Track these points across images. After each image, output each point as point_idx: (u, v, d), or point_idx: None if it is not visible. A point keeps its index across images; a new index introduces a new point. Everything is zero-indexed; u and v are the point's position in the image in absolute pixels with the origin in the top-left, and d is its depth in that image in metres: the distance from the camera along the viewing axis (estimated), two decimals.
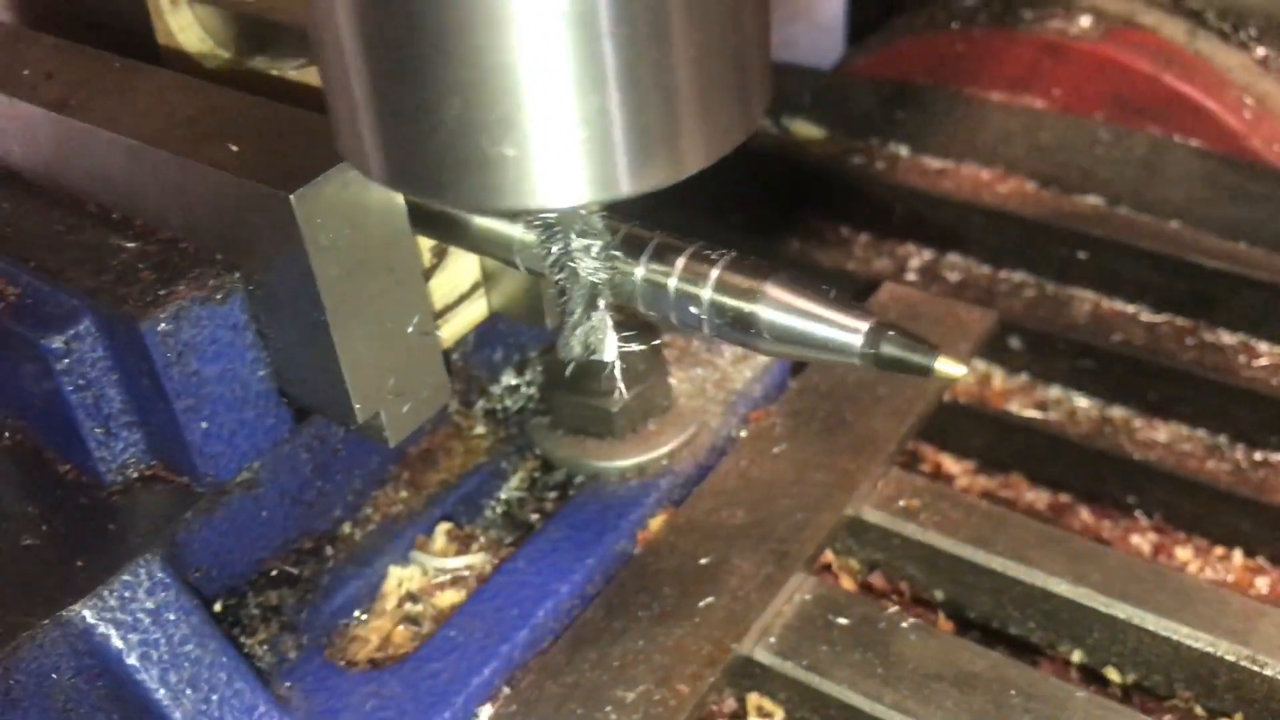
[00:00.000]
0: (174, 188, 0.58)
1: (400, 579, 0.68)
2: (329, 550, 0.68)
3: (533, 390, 0.76)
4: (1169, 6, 0.97)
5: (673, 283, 0.54)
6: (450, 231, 0.60)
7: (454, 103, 0.44)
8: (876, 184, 1.00)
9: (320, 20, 0.46)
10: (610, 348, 0.57)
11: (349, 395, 0.59)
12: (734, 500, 0.71)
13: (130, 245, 0.60)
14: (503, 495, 0.73)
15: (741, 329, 0.53)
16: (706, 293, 0.53)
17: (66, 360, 0.58)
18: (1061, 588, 0.67)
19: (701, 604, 0.65)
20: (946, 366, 0.50)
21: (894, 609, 0.66)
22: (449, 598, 0.67)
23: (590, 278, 0.54)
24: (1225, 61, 0.94)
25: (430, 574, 0.68)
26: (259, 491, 0.64)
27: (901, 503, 0.72)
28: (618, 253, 0.54)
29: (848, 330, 0.51)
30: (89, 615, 0.57)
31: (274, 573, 0.66)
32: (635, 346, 0.58)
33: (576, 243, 0.53)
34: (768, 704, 0.65)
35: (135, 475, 0.62)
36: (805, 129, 1.07)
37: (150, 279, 0.58)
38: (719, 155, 0.48)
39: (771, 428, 0.75)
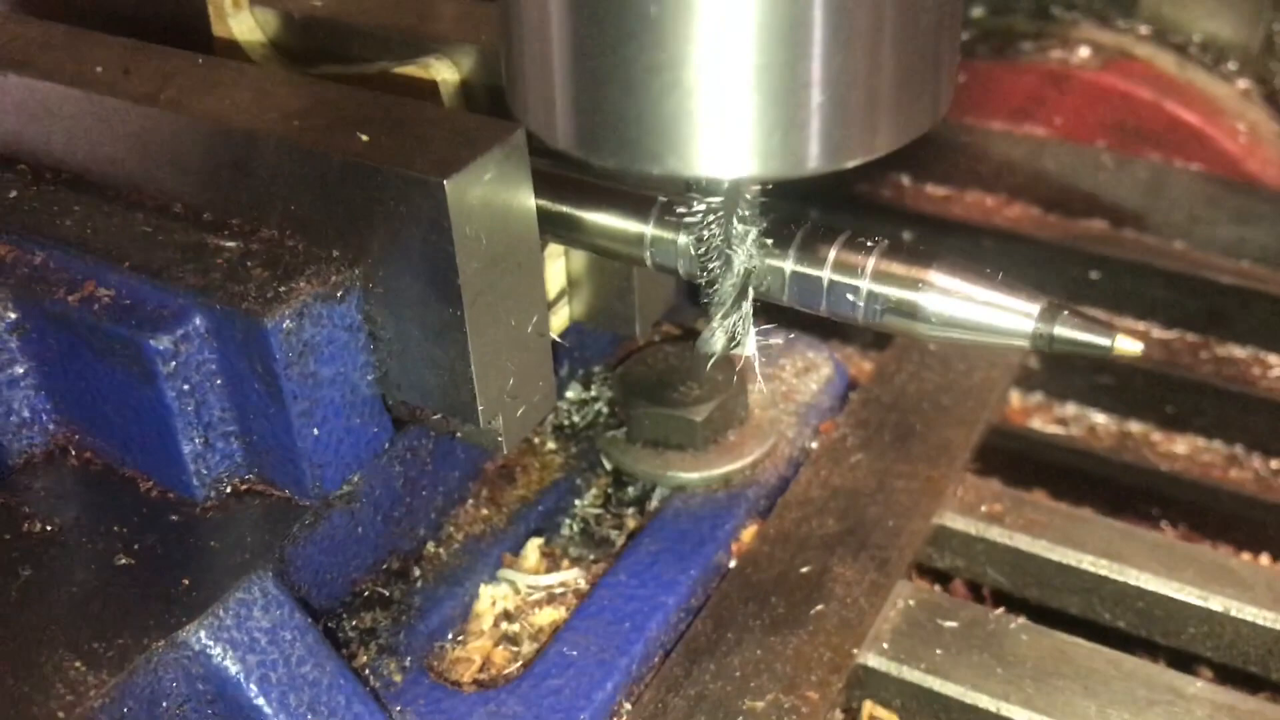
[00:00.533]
0: (285, 181, 0.56)
1: (494, 598, 0.65)
2: (416, 571, 0.65)
3: (600, 405, 0.74)
4: (1157, 40, 1.01)
5: (827, 272, 0.53)
6: (573, 231, 0.59)
7: (672, 70, 0.43)
8: (885, 209, 1.02)
9: None
10: (752, 340, 0.56)
11: (475, 396, 0.56)
12: (822, 510, 0.70)
13: (231, 244, 0.57)
14: (578, 512, 0.71)
15: (904, 316, 0.52)
16: (865, 283, 0.53)
17: (174, 363, 0.54)
18: (1157, 584, 0.67)
19: (812, 612, 0.64)
20: (1126, 344, 0.50)
21: (999, 611, 0.66)
22: (547, 616, 0.64)
23: (745, 265, 0.53)
24: (1215, 91, 0.98)
25: (524, 592, 0.65)
26: (356, 506, 0.60)
27: (984, 508, 0.72)
28: (769, 240, 0.54)
29: (1018, 314, 0.51)
30: (204, 635, 0.53)
31: (366, 594, 0.62)
32: (773, 340, 0.57)
33: (738, 228, 0.52)
34: (882, 712, 0.64)
35: (229, 490, 0.59)
36: None
37: (264, 276, 0.55)
38: (910, 138, 0.47)
39: (844, 438, 0.75)
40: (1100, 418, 0.95)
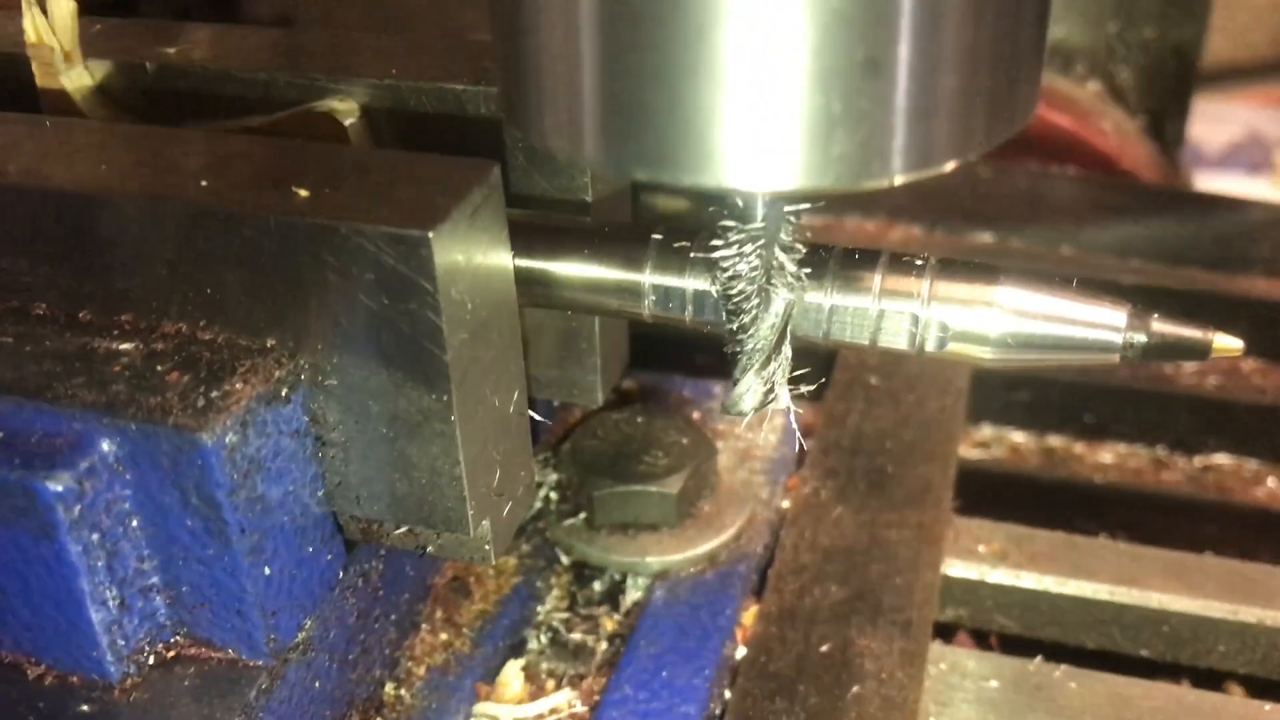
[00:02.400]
0: (195, 258, 0.44)
1: None
2: None
3: (546, 490, 0.64)
4: None
5: (875, 303, 0.46)
6: (551, 287, 0.49)
7: (739, 67, 0.34)
8: None
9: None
10: (786, 391, 0.47)
11: (465, 498, 0.46)
12: (820, 576, 0.62)
13: (126, 346, 0.45)
14: (542, 620, 0.61)
15: (972, 343, 0.45)
16: (924, 309, 0.45)
17: (78, 507, 0.41)
18: (1181, 604, 0.63)
19: (850, 696, 0.56)
20: (1226, 341, 0.44)
21: (1037, 660, 0.60)
22: None
23: (787, 298, 0.45)
24: (1076, 94, 0.97)
25: None
26: (313, 656, 0.48)
27: (981, 548, 0.66)
28: (808, 269, 0.46)
29: (1104, 326, 0.45)
30: None
31: None
32: (805, 388, 0.48)
33: (779, 257, 0.44)
34: None
35: (152, 661, 0.46)
36: (668, 202, 1.01)
37: (183, 381, 0.43)
38: (1007, 137, 0.40)
39: (816, 492, 0.67)
40: (1019, 436, 0.91)
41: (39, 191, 0.44)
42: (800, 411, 0.48)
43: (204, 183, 0.44)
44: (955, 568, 0.65)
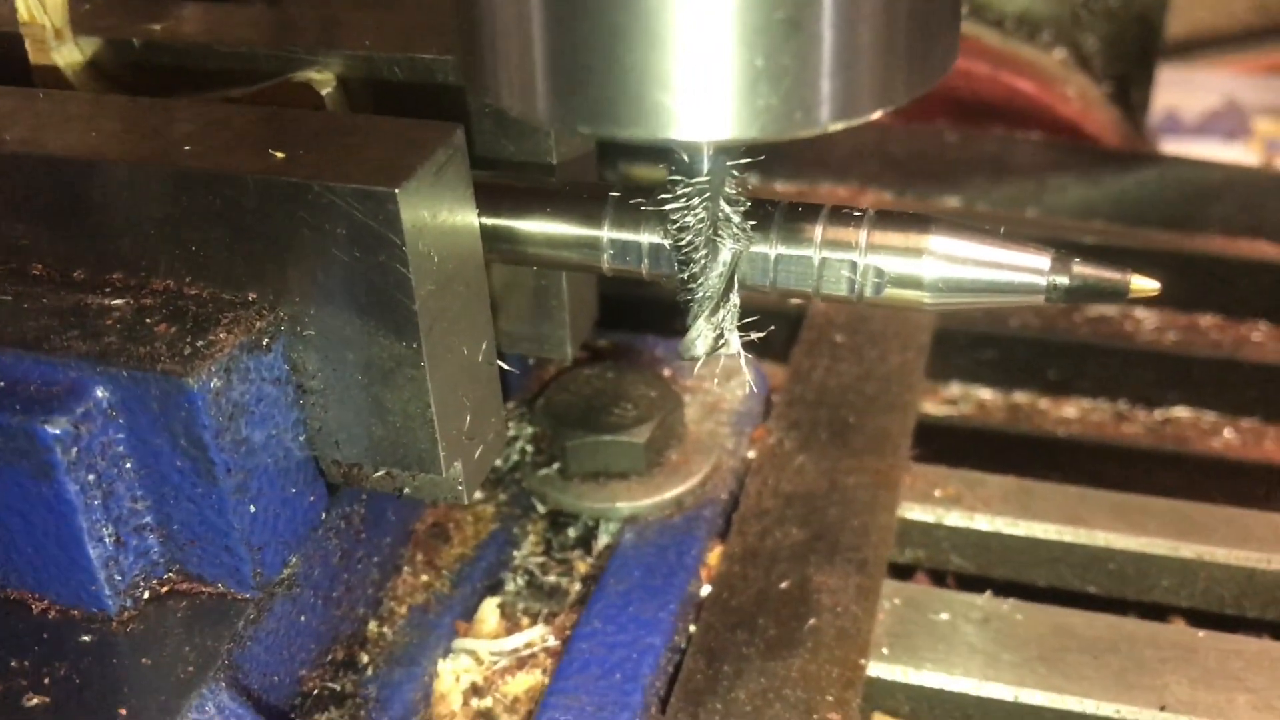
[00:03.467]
0: (181, 218, 0.47)
1: (456, 673, 0.57)
2: (364, 657, 0.56)
3: (522, 442, 0.67)
4: (976, 17, 1.03)
5: (818, 251, 0.49)
6: (516, 244, 0.52)
7: (676, 26, 0.37)
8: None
9: None
10: (736, 337, 0.51)
11: (436, 440, 0.49)
12: (782, 519, 0.65)
13: (118, 302, 0.48)
14: (519, 563, 0.64)
15: (908, 288, 0.49)
16: (861, 258, 0.48)
17: (75, 449, 0.45)
18: (1125, 542, 0.66)
19: (806, 627, 0.59)
20: (1142, 283, 0.48)
21: (986, 594, 0.63)
22: (522, 683, 0.57)
23: (733, 248, 0.48)
24: (1042, 61, 1.00)
25: (488, 661, 0.58)
26: (298, 591, 0.52)
27: (938, 493, 0.69)
28: (753, 222, 0.49)
29: (1029, 270, 0.48)
30: None
31: (316, 692, 0.54)
32: (754, 335, 0.52)
33: (725, 209, 0.47)
34: None
35: (147, 595, 0.49)
36: (646, 171, 1.04)
37: (171, 332, 0.46)
38: (928, 88, 0.44)
39: (780, 443, 0.70)
40: (986, 393, 0.94)
41: (34, 159, 0.48)
42: (750, 356, 0.51)
43: (188, 148, 0.47)
44: (913, 511, 0.68)
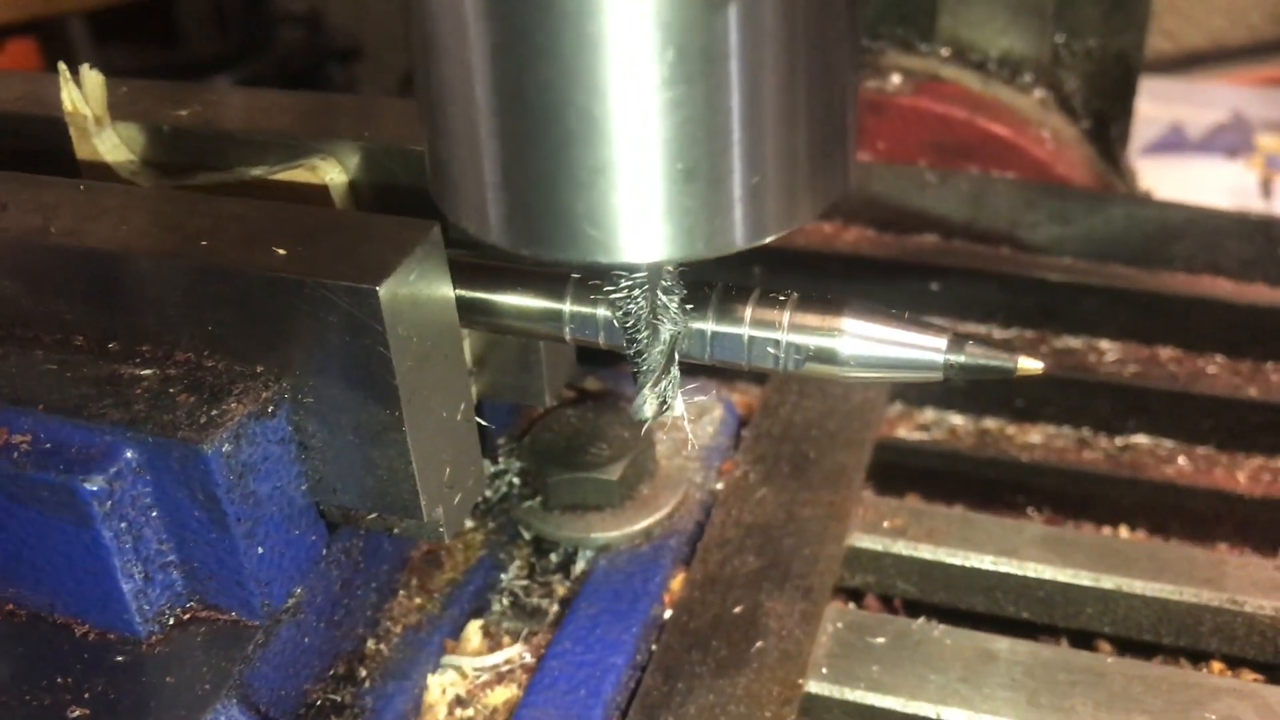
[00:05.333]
0: (199, 302, 0.55)
1: (443, 686, 0.65)
2: (362, 671, 0.65)
3: (510, 476, 0.75)
4: (959, 61, 1.09)
5: (746, 329, 0.56)
6: (490, 315, 0.60)
7: (610, 170, 0.45)
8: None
9: (450, 95, 0.46)
10: (680, 402, 0.58)
11: (418, 492, 0.57)
12: (741, 548, 0.73)
13: (147, 372, 0.56)
14: (505, 586, 0.72)
15: (823, 362, 0.56)
16: (783, 335, 0.56)
17: (110, 502, 0.53)
18: (1053, 573, 0.73)
19: (753, 649, 0.67)
20: (1028, 364, 0.54)
21: (920, 620, 0.70)
22: (500, 695, 0.65)
23: (671, 330, 0.55)
24: (1018, 104, 1.06)
25: (471, 675, 0.66)
26: (301, 617, 0.60)
27: (886, 524, 0.76)
28: (690, 305, 0.56)
29: (928, 349, 0.55)
30: None
31: (319, 703, 0.62)
32: (699, 398, 0.59)
33: (661, 299, 0.55)
34: None
35: (172, 622, 0.57)
36: None
37: (191, 401, 0.54)
38: (827, 205, 0.51)
39: (745, 476, 0.78)
40: (957, 419, 1.01)
41: (75, 250, 0.56)
42: (693, 419, 0.59)
43: (204, 243, 0.55)
44: (864, 540, 0.75)
